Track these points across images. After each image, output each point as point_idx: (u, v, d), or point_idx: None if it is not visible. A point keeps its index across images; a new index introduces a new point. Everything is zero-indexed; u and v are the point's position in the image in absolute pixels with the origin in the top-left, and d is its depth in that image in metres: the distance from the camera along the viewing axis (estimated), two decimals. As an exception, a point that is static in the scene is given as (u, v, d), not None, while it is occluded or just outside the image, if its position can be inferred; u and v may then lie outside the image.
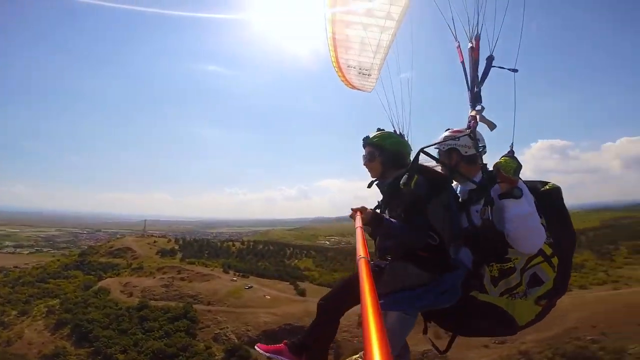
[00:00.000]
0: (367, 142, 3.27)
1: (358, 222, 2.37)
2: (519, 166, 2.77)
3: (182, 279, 69.08)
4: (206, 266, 79.53)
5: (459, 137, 3.11)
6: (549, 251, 2.78)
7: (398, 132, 4.04)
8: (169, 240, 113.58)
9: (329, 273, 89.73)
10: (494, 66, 3.23)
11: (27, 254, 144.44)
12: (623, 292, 50.07)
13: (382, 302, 2.58)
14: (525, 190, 2.74)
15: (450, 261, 2.79)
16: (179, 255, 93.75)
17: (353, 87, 5.42)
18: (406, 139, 4.00)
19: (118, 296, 61.07)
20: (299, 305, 56.53)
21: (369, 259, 1.51)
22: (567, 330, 41.18)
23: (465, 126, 3.22)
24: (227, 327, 51.42)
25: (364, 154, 3.29)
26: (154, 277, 70.50)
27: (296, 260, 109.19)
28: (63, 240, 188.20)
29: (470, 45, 3.32)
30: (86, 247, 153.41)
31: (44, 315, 55.21)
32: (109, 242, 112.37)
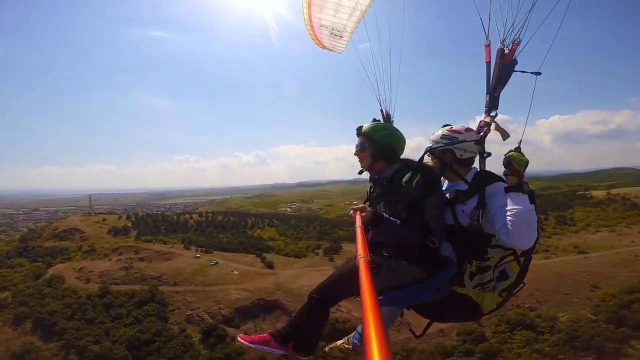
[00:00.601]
0: (359, 132, 3.29)
1: (358, 221, 2.38)
2: (527, 162, 2.97)
3: (142, 259, 67.20)
4: (165, 243, 77.70)
5: (457, 138, 3.10)
6: (519, 250, 3.03)
7: (384, 111, 4.18)
8: (120, 217, 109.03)
9: (294, 242, 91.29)
10: (516, 70, 3.21)
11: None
12: (552, 262, 55.57)
13: (380, 298, 2.80)
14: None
15: (441, 259, 2.90)
16: (134, 233, 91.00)
17: (324, 47, 5.41)
18: (392, 118, 4.17)
19: (74, 283, 58.44)
20: (269, 279, 57.65)
21: (369, 259, 1.54)
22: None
23: (461, 125, 3.22)
24: (199, 307, 51.57)
25: (356, 143, 3.30)
26: (110, 260, 68.01)
27: (259, 230, 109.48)
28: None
29: (500, 46, 3.22)
30: (26, 229, 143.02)
31: (-4, 310, 51.90)
32: (51, 223, 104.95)
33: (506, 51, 3.17)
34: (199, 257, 68.42)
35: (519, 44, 3.12)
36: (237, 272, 60.93)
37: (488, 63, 3.27)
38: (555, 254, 61.47)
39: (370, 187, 3.30)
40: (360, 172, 3.35)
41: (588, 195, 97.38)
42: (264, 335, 3.16)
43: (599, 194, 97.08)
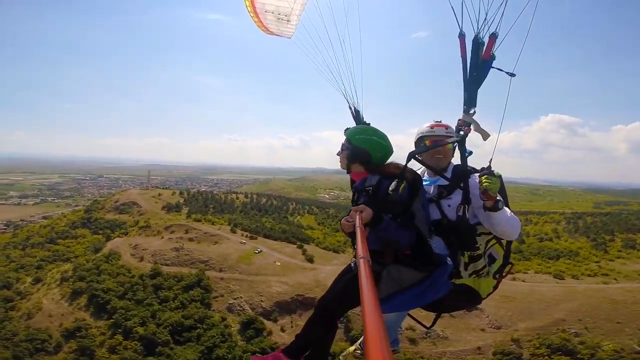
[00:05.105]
0: (344, 133, 3.20)
1: (358, 221, 2.26)
2: (500, 184, 2.80)
3: (191, 240, 67.45)
4: (213, 224, 77.84)
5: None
6: None
7: (353, 108, 3.98)
8: (174, 193, 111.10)
9: (332, 234, 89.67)
10: (493, 67, 2.90)
11: (33, 204, 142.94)
12: (610, 287, 50.81)
13: (386, 306, 2.69)
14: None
15: (436, 257, 2.81)
16: (185, 210, 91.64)
17: (271, 33, 5.01)
18: (361, 114, 3.99)
19: (129, 261, 59.31)
20: (308, 274, 55.78)
21: (369, 259, 1.44)
22: (556, 322, 42.78)
23: (456, 124, 3.16)
24: (241, 297, 50.45)
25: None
26: (162, 237, 68.75)
27: (299, 217, 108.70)
28: (67, 188, 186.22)
29: (477, 38, 2.86)
30: (90, 195, 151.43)
31: (58, 282, 53.54)
32: (113, 195, 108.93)
33: (487, 47, 2.85)
34: (244, 244, 67.59)
35: (495, 38, 2.82)
36: (279, 264, 59.45)
37: (463, 57, 2.95)
38: (616, 279, 55.02)
39: (354, 194, 3.12)
40: (348, 172, 3.23)
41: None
42: (276, 353, 3.04)
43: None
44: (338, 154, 3.19)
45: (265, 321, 46.53)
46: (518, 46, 2.93)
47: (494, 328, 43.53)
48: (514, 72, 2.85)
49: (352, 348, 4.01)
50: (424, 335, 42.61)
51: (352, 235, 2.60)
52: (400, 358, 38.85)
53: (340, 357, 4.02)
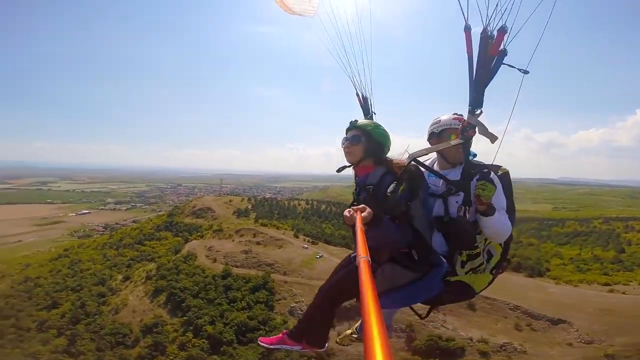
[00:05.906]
0: (354, 125, 3.03)
1: (358, 221, 2.20)
2: (495, 190, 2.76)
3: (258, 244, 70.18)
4: (278, 229, 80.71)
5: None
6: None
7: (361, 95, 3.80)
8: (242, 199, 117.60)
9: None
10: (504, 63, 2.64)
11: (125, 210, 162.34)
12: None
13: (382, 301, 2.31)
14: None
15: (432, 258, 2.81)
16: (252, 215, 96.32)
17: (293, 12, 4.49)
18: (370, 101, 3.81)
19: (204, 262, 63.43)
20: (369, 281, 54.72)
21: (369, 259, 1.41)
22: (662, 338, 36.44)
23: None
24: (302, 301, 51.07)
25: (347, 136, 3.02)
26: (233, 240, 72.59)
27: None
28: (152, 196, 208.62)
29: (484, 33, 2.58)
30: (171, 202, 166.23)
31: (143, 280, 59.12)
32: (191, 201, 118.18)
33: (495, 42, 2.58)
34: (307, 248, 68.77)
35: (505, 32, 2.54)
36: (339, 270, 59.20)
37: (469, 54, 2.69)
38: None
39: (356, 188, 3.08)
40: (340, 170, 3.16)
41: None
42: (280, 335, 3.22)
43: None
44: (346, 147, 3.00)
45: (323, 327, 46.54)
46: (544, 36, 2.58)
47: (583, 342, 38.30)
48: (527, 69, 2.60)
49: (348, 331, 4.08)
50: (498, 348, 39.24)
51: (353, 227, 2.50)
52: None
53: (337, 339, 4.10)
